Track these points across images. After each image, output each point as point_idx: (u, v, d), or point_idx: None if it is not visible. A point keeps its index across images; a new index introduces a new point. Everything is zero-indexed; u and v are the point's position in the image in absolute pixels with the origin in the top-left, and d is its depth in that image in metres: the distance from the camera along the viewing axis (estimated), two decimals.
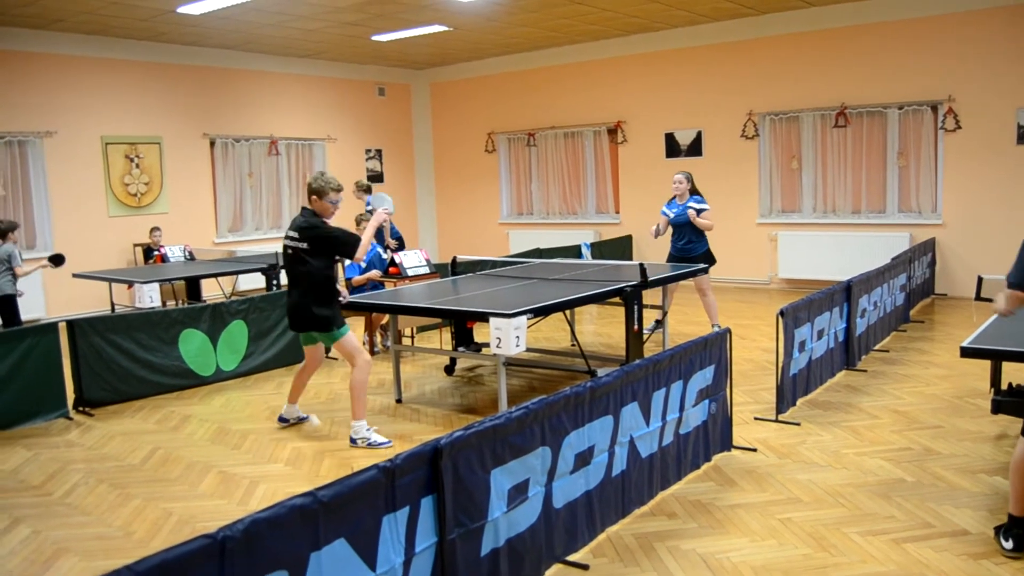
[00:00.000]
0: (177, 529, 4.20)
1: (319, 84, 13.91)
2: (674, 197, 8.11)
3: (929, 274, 10.09)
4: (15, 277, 7.95)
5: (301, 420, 5.94)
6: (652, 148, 12.77)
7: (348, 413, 6.19)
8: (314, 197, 5.32)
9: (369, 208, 10.69)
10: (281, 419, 5.92)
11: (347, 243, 5.30)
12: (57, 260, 8.25)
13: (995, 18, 9.82)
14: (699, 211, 7.92)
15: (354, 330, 9.01)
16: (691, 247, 8.01)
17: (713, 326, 8.08)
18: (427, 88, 15.53)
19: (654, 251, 12.26)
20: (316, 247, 5.25)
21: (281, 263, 9.34)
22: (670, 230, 8.15)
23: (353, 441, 5.40)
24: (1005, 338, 4.38)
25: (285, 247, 5.42)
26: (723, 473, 4.71)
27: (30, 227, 10.70)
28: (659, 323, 8.04)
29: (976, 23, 9.95)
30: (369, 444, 5.35)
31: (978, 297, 6.34)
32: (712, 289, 8.13)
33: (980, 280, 6.28)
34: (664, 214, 8.14)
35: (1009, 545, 3.63)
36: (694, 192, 8.04)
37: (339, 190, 5.34)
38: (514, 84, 14.27)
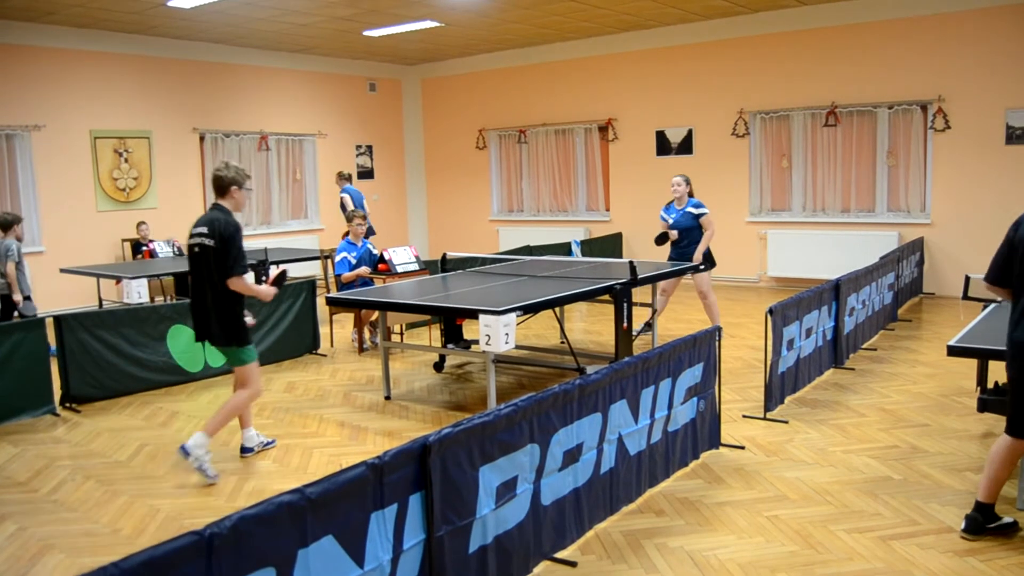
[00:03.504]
0: (164, 526, 4.18)
1: (310, 79, 13.87)
2: (672, 201, 8.05)
3: (917, 273, 10.14)
4: (24, 279, 7.66)
5: (267, 446, 5.34)
6: (643, 146, 12.78)
7: (334, 410, 6.19)
8: (233, 188, 4.79)
9: (344, 196, 10.94)
10: (244, 450, 5.21)
11: (230, 266, 4.67)
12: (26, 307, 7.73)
13: (985, 18, 9.87)
14: (697, 216, 7.86)
15: (343, 327, 9.06)
16: (691, 250, 7.90)
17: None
18: (418, 84, 15.50)
19: (644, 249, 12.29)
20: (219, 249, 4.68)
21: (273, 258, 9.31)
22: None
23: (185, 452, 4.73)
24: (991, 337, 4.41)
25: (191, 245, 4.82)
26: (711, 471, 4.73)
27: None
28: (649, 325, 8.00)
29: (966, 23, 9.99)
30: (199, 467, 4.75)
31: (965, 296, 6.37)
32: (713, 290, 8.05)
33: (968, 279, 6.31)
34: (663, 219, 8.06)
35: (963, 526, 3.79)
36: (691, 195, 7.99)
37: (249, 177, 4.96)
38: (505, 81, 14.26)
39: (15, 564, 3.81)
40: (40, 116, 10.60)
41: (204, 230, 4.74)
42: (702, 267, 7.80)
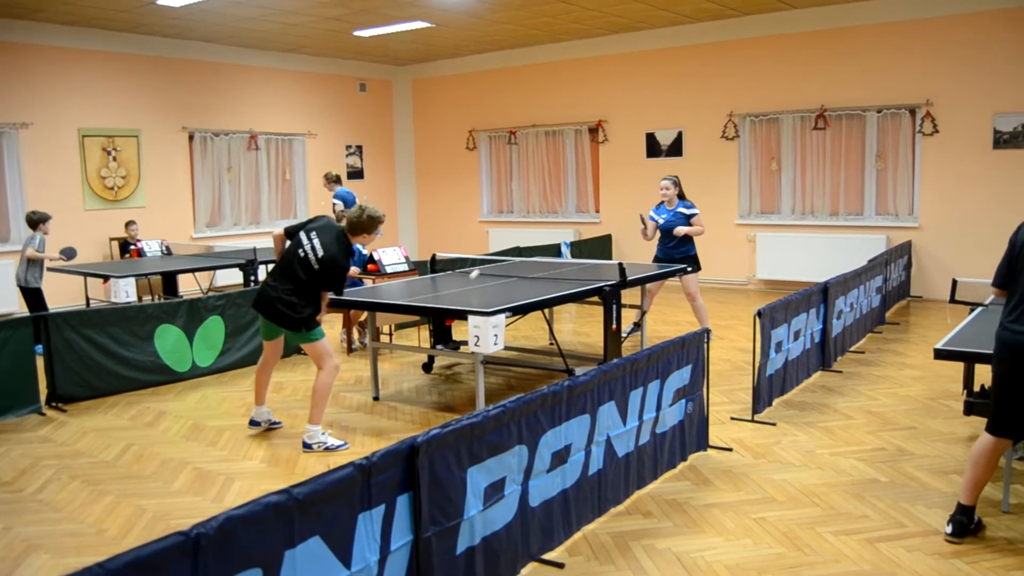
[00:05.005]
0: (151, 526, 4.16)
1: (300, 79, 13.83)
2: (662, 202, 8.04)
3: (905, 276, 10.19)
4: (41, 269, 8.29)
5: (273, 425, 5.74)
6: (633, 148, 12.81)
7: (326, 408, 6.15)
8: (363, 235, 5.28)
9: (336, 203, 10.59)
10: (252, 423, 5.66)
11: (337, 282, 5.23)
12: (68, 253, 8.57)
13: (973, 23, 9.93)
14: (689, 216, 7.85)
15: (332, 328, 9.03)
16: (678, 251, 7.93)
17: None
18: (409, 84, 15.49)
19: (634, 250, 12.31)
20: (328, 276, 5.16)
21: (261, 258, 9.27)
22: (658, 232, 8.07)
23: (307, 446, 5.23)
24: (978, 340, 4.43)
25: (302, 243, 5.17)
26: (699, 472, 4.74)
27: (4, 220, 10.57)
28: (637, 325, 8.02)
29: (955, 28, 10.05)
30: (326, 448, 5.23)
31: (952, 300, 6.39)
32: (700, 293, 8.02)
33: (955, 283, 6.33)
34: (652, 219, 8.05)
35: (949, 530, 3.79)
36: (682, 196, 7.97)
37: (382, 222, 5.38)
38: (496, 82, 14.26)
39: (0, 564, 3.79)
40: (28, 114, 10.54)
41: (323, 254, 5.12)
42: (689, 269, 7.78)
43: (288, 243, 5.29)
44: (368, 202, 5.51)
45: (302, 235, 5.21)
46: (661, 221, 7.94)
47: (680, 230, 7.80)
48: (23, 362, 6.12)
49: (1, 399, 5.98)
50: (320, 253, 5.11)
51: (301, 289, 5.13)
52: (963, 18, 9.98)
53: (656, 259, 8.11)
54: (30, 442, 5.57)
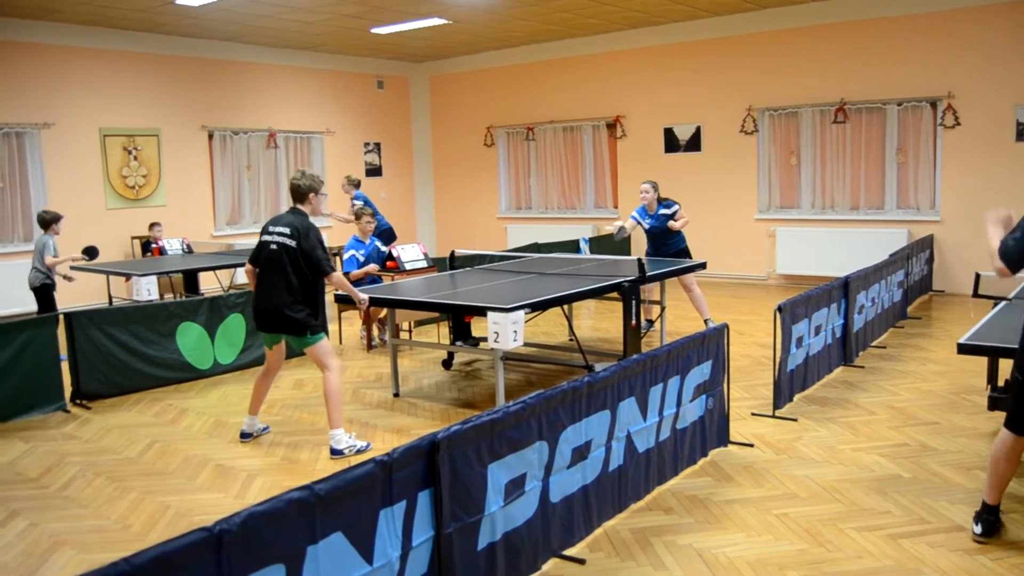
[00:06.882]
0: (174, 522, 4.20)
1: (317, 77, 13.89)
2: (643, 204, 8.17)
3: (927, 270, 10.10)
4: (49, 268, 8.09)
5: (262, 432, 5.59)
6: (651, 143, 12.76)
7: (343, 407, 6.19)
8: (311, 195, 5.18)
9: (355, 203, 10.61)
10: (244, 435, 5.45)
11: (323, 264, 5.06)
12: (91, 252, 8.54)
13: (995, 15, 9.81)
14: (672, 215, 7.99)
15: (351, 324, 9.07)
16: (670, 249, 8.12)
17: (705, 321, 8.08)
18: (426, 81, 15.51)
19: None
20: (306, 251, 5.02)
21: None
22: (638, 231, 8.33)
23: (338, 452, 5.10)
24: (1002, 335, 4.39)
25: (267, 243, 5.09)
26: (720, 468, 4.72)
27: (28, 219, 10.68)
28: (651, 323, 8.06)
29: (976, 20, 9.94)
30: (357, 451, 5.16)
31: (976, 294, 6.34)
32: (696, 283, 8.12)
33: (978, 277, 6.27)
34: (634, 220, 8.19)
35: (978, 530, 3.74)
36: (661, 200, 8.10)
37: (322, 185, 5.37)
38: (513, 78, 14.25)
39: (26, 560, 3.83)
40: (49, 114, 10.65)
41: (286, 231, 5.04)
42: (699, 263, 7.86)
43: (260, 263, 5.18)
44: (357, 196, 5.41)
45: (264, 237, 5.14)
46: (646, 225, 8.12)
47: (674, 226, 7.97)
48: (48, 360, 6.18)
49: (27, 397, 6.06)
50: (287, 230, 5.03)
51: (297, 288, 5.03)
52: (984, 9, 9.86)
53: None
54: (55, 439, 5.63)
